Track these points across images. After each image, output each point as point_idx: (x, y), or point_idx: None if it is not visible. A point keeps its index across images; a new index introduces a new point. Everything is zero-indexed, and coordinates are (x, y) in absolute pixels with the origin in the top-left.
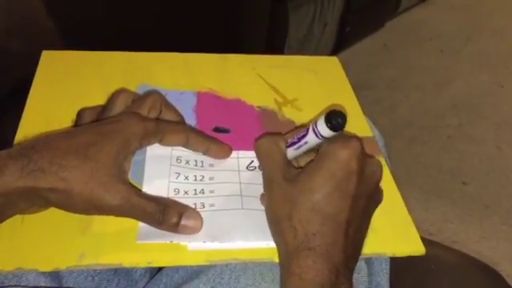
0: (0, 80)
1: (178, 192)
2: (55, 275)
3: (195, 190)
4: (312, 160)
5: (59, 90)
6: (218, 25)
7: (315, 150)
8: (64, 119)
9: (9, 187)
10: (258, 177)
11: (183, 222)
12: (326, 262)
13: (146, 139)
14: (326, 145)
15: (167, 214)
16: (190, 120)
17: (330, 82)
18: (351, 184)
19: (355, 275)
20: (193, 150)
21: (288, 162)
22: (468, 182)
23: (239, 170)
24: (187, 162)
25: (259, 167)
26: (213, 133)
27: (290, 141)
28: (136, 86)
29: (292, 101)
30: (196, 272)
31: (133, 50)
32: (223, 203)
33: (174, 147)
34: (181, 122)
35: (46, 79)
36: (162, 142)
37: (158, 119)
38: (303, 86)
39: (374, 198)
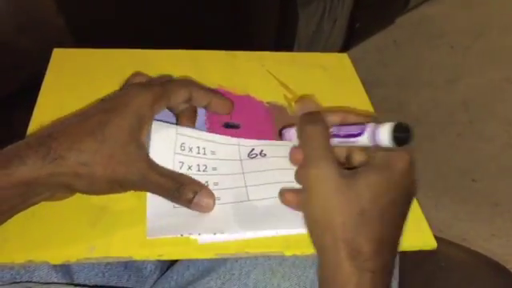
0: (11, 77)
1: None
2: (66, 271)
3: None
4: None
5: (70, 87)
6: (227, 22)
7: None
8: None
9: (31, 176)
10: (260, 164)
11: (196, 199)
12: (381, 284)
13: (157, 104)
14: (384, 154)
15: (182, 192)
16: (200, 116)
17: (340, 79)
18: (407, 204)
19: None
20: (196, 105)
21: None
22: (478, 179)
23: (241, 160)
24: (190, 150)
25: (260, 153)
26: (223, 129)
27: (332, 131)
28: None
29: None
30: (207, 269)
31: (142, 47)
32: (229, 197)
33: (179, 130)
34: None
35: (57, 77)
36: (169, 102)
37: (160, 82)
38: (313, 82)
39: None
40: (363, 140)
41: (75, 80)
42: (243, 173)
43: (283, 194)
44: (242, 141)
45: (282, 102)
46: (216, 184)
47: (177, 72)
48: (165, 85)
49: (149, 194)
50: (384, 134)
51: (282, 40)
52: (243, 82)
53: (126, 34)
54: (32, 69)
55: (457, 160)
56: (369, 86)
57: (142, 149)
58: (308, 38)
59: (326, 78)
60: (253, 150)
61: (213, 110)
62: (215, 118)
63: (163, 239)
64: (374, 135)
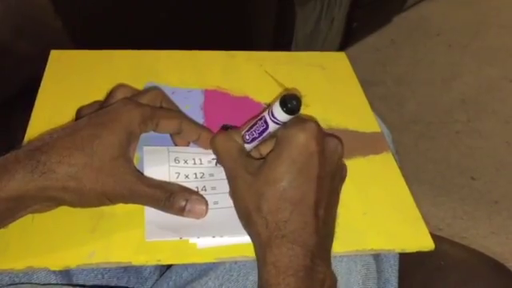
0: (9, 79)
1: None
2: (65, 273)
3: (197, 187)
4: (272, 149)
5: (68, 88)
6: (225, 22)
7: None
8: (73, 118)
9: (20, 190)
10: None
11: (189, 207)
12: (300, 247)
13: (144, 124)
14: (283, 130)
15: (173, 201)
16: (198, 118)
17: (338, 78)
18: (313, 166)
19: (364, 271)
20: (185, 138)
21: (247, 155)
22: (477, 177)
23: None
24: (185, 162)
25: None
26: (221, 130)
27: (249, 137)
28: (144, 84)
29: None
30: (205, 270)
31: (140, 48)
32: (227, 201)
33: (170, 149)
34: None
35: (54, 78)
36: (157, 127)
37: (152, 106)
38: (311, 81)
39: (338, 174)
40: (272, 126)
41: (73, 81)
42: None
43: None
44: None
45: None
46: (214, 188)
47: (175, 73)
48: (154, 108)
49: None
50: (276, 109)
51: (280, 39)
52: (242, 83)
53: (124, 35)
54: (30, 71)
55: (455, 158)
56: (366, 84)
57: (130, 163)
58: (305, 38)
59: (324, 77)
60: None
61: (202, 147)
62: (213, 121)
63: (162, 244)
64: (272, 117)
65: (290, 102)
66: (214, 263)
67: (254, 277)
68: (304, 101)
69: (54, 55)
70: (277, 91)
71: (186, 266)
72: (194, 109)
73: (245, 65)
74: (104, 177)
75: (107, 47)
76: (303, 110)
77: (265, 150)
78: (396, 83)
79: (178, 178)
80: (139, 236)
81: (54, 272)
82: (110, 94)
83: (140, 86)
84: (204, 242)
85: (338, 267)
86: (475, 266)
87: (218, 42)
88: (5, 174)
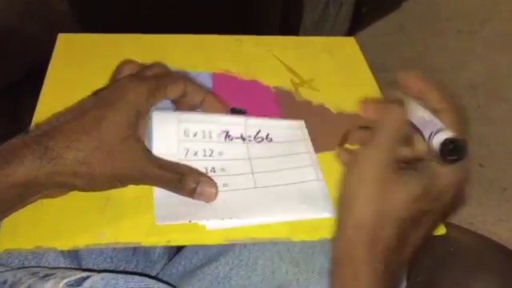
0: (16, 63)
1: None
2: (74, 256)
3: (206, 168)
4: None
5: (75, 72)
6: (233, 6)
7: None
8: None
9: (29, 176)
10: (266, 149)
11: (199, 189)
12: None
13: (152, 97)
14: (436, 165)
15: (184, 183)
16: None
17: (347, 63)
18: (434, 221)
19: None
20: (189, 102)
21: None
22: (485, 164)
23: (247, 144)
24: (195, 135)
25: (266, 137)
26: (230, 113)
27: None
28: None
29: (308, 81)
30: (215, 255)
31: (148, 32)
32: (236, 183)
33: (180, 117)
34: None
35: (62, 62)
36: (165, 95)
37: (157, 77)
38: (319, 66)
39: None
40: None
41: (80, 65)
42: (249, 158)
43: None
44: (249, 119)
45: (288, 86)
46: (223, 170)
47: (183, 57)
48: (160, 78)
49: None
50: (436, 144)
51: (288, 25)
52: (250, 67)
53: (131, 18)
54: (37, 55)
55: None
56: (375, 70)
57: (140, 143)
58: (314, 23)
59: (333, 62)
60: (259, 132)
61: (206, 109)
62: None
63: (171, 225)
64: (431, 137)
65: (454, 152)
66: (223, 248)
67: (263, 261)
68: (313, 85)
69: (62, 39)
70: (285, 75)
71: (195, 251)
72: None
73: (253, 49)
74: (114, 160)
75: (114, 30)
76: (312, 95)
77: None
78: (405, 69)
79: (186, 155)
80: (148, 217)
81: (63, 255)
82: (117, 71)
83: None
84: (213, 225)
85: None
86: (484, 252)
87: (226, 27)
88: (13, 159)
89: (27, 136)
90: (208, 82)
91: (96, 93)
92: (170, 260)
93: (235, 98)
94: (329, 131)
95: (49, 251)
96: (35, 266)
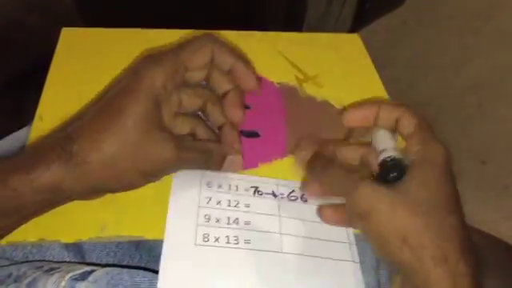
0: (20, 56)
1: (209, 219)
2: (78, 250)
3: (228, 218)
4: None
5: (79, 66)
6: (236, 2)
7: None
8: (84, 96)
9: (56, 182)
10: (299, 210)
11: (227, 163)
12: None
13: (171, 80)
14: (419, 150)
15: (212, 161)
16: None
17: (351, 59)
18: (456, 193)
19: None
20: (218, 68)
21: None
22: (488, 161)
23: (279, 199)
24: (219, 186)
25: (301, 197)
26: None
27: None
28: None
29: (313, 77)
30: None
31: (152, 26)
32: (260, 241)
33: (204, 173)
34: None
35: (65, 56)
36: (187, 70)
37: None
38: (324, 62)
39: None
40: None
41: (84, 59)
42: (280, 216)
43: (322, 210)
44: (282, 181)
45: (293, 82)
46: (247, 223)
47: None
48: (178, 53)
49: (167, 227)
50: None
51: (291, 21)
52: (254, 62)
53: (136, 13)
54: (41, 48)
55: (466, 142)
56: (377, 67)
57: (164, 132)
58: (317, 19)
59: (338, 58)
60: (292, 191)
61: (236, 76)
62: None
63: None
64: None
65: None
66: None
67: None
68: (317, 81)
69: (65, 33)
70: (290, 71)
71: None
72: None
73: (257, 45)
74: (140, 155)
75: (118, 25)
76: (316, 91)
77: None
78: (407, 66)
79: (208, 202)
80: (152, 210)
81: (67, 249)
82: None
83: None
84: None
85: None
86: (488, 249)
87: (230, 22)
88: (39, 164)
89: (52, 138)
90: None
91: (118, 79)
92: None
93: None
94: (332, 127)
95: (52, 245)
96: (39, 260)
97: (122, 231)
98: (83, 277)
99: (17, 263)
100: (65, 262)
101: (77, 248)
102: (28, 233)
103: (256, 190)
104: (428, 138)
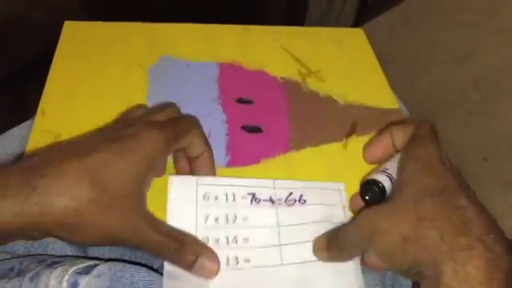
0: (22, 50)
1: (208, 240)
2: (80, 246)
3: (227, 237)
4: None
5: (82, 60)
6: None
7: None
8: (87, 90)
9: (4, 224)
10: (297, 214)
11: (199, 262)
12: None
13: (167, 149)
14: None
15: (182, 253)
16: (213, 91)
17: (355, 54)
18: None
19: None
20: (187, 153)
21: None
22: (489, 157)
23: (277, 205)
24: (216, 198)
25: (299, 199)
26: (236, 104)
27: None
28: (158, 57)
29: (316, 72)
30: None
31: (154, 20)
32: (259, 258)
33: (199, 181)
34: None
35: (68, 50)
36: (177, 146)
37: (169, 119)
38: (327, 57)
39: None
40: None
41: (86, 53)
42: (278, 225)
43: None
44: (278, 182)
45: (295, 77)
46: (246, 240)
47: (189, 46)
48: (175, 125)
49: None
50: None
51: (293, 17)
52: (257, 57)
53: (138, 7)
54: (44, 42)
55: (468, 138)
56: (380, 62)
57: (142, 202)
58: (319, 15)
59: (341, 52)
60: (291, 194)
61: (197, 167)
62: (228, 94)
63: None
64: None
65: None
66: None
67: None
68: (320, 76)
69: (68, 27)
70: (293, 66)
71: None
72: (208, 82)
73: (260, 39)
74: (109, 216)
75: (120, 18)
76: (319, 86)
77: None
78: (409, 62)
79: (206, 221)
80: (152, 205)
81: (69, 244)
82: (127, 112)
83: (154, 59)
84: None
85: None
86: None
87: (232, 17)
88: None
89: (14, 168)
90: (215, 72)
91: (103, 130)
92: None
93: (242, 88)
94: (336, 122)
95: (55, 239)
96: (42, 254)
97: None
98: (86, 271)
99: (19, 257)
100: (68, 256)
101: None
102: None
103: (253, 198)
104: (417, 139)
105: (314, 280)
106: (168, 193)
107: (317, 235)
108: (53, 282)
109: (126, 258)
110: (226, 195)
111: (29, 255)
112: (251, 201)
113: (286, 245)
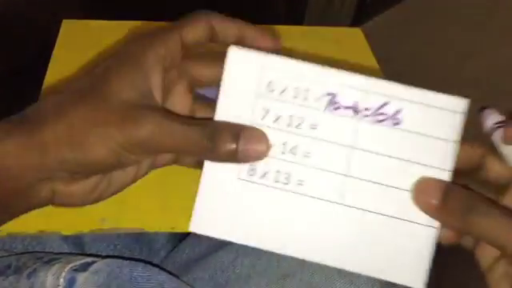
0: (20, 48)
1: None
2: (78, 243)
3: (284, 144)
4: None
5: (79, 59)
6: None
7: None
8: None
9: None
10: (384, 139)
11: (242, 145)
12: None
13: (162, 45)
14: None
15: (218, 139)
16: (212, 92)
17: (353, 54)
18: None
19: None
20: (224, 40)
21: None
22: None
23: (359, 118)
24: (283, 91)
25: (394, 116)
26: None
27: None
28: None
29: None
30: (220, 243)
31: (151, 19)
32: (316, 184)
33: (267, 63)
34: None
35: (66, 48)
36: (181, 38)
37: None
38: (326, 56)
39: None
40: None
41: (84, 52)
42: (352, 148)
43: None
44: (374, 83)
45: None
46: (306, 156)
47: None
48: (174, 23)
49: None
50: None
51: (292, 16)
52: None
53: (137, 5)
54: (42, 40)
55: (468, 138)
56: (379, 62)
57: (153, 99)
58: (318, 14)
59: (340, 52)
60: (385, 104)
61: (251, 44)
62: None
63: (175, 211)
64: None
65: None
66: None
67: None
68: None
69: (66, 25)
70: None
71: (199, 240)
72: None
73: None
74: (117, 120)
75: (119, 17)
76: None
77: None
78: (409, 61)
79: (263, 118)
80: (152, 202)
81: (67, 242)
82: None
83: None
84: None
85: None
86: None
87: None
88: None
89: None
90: None
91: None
92: (173, 248)
93: None
94: None
95: (52, 237)
96: (39, 251)
97: (121, 223)
98: (84, 267)
99: (16, 254)
100: (65, 253)
101: (77, 240)
102: (28, 224)
103: (331, 101)
104: None
105: (374, 238)
106: (224, 70)
107: (398, 182)
108: (50, 278)
109: (124, 255)
110: (297, 90)
111: (26, 252)
112: (327, 105)
113: (355, 178)
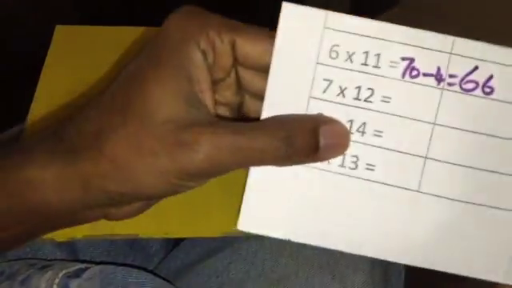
0: (13, 53)
1: None
2: (71, 250)
3: (351, 122)
4: None
5: (73, 65)
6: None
7: None
8: (78, 97)
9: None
10: (473, 112)
11: (323, 141)
12: None
13: (205, 35)
14: None
15: (296, 143)
16: None
17: None
18: None
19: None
20: (248, 61)
21: None
22: None
23: (444, 88)
24: (349, 58)
25: (485, 84)
26: None
27: None
28: None
29: None
30: (213, 249)
31: (147, 24)
32: (388, 168)
33: (329, 21)
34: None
35: (59, 54)
36: (235, 46)
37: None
38: None
39: None
40: None
41: (78, 58)
42: (434, 123)
43: None
44: (462, 43)
45: None
46: (378, 135)
47: None
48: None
49: None
50: None
51: None
52: None
53: (132, 10)
54: (35, 46)
55: None
56: None
57: (201, 105)
58: None
59: None
60: (475, 69)
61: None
62: None
63: (170, 216)
64: None
65: None
66: (222, 242)
67: (262, 254)
68: None
69: (60, 31)
70: None
71: (193, 246)
72: None
73: None
74: (166, 148)
75: (114, 23)
76: None
77: None
78: None
79: (325, 91)
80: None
81: (60, 249)
82: None
83: None
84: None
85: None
86: None
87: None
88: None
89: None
90: None
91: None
92: (167, 254)
93: None
94: None
95: (45, 243)
96: (32, 258)
97: (115, 229)
98: (77, 274)
99: (9, 261)
100: (58, 259)
101: (70, 247)
102: None
103: (409, 66)
104: None
105: (462, 231)
106: (276, 32)
107: (486, 163)
108: (43, 285)
109: (119, 261)
110: (367, 55)
111: (19, 259)
112: (404, 72)
113: (436, 161)
